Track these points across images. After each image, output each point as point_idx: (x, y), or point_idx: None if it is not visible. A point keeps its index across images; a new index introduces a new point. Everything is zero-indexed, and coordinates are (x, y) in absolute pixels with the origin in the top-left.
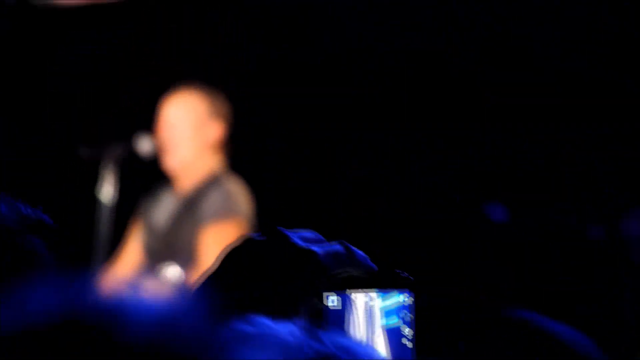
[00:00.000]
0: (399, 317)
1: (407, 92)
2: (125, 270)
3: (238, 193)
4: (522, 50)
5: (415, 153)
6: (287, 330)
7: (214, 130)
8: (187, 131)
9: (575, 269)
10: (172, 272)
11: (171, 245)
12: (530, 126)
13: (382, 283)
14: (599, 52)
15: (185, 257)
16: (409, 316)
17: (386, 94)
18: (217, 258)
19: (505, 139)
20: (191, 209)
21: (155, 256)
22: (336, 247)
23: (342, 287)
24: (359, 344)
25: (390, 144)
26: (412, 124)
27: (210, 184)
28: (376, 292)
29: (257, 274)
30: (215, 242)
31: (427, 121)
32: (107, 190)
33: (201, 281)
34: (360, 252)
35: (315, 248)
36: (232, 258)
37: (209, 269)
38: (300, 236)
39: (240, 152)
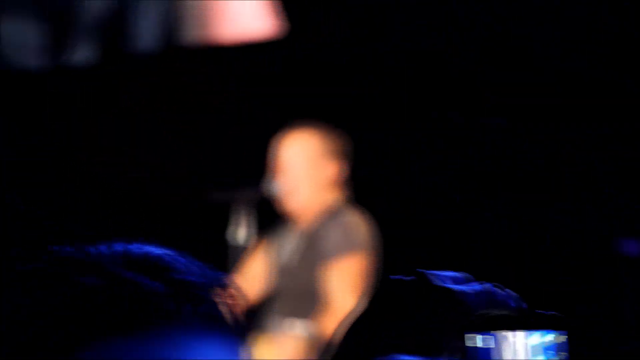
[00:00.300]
0: (551, 355)
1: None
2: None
3: (359, 226)
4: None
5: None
6: None
7: (331, 168)
8: (304, 171)
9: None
10: (300, 327)
11: (295, 284)
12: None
13: (533, 322)
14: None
15: (310, 295)
16: (562, 355)
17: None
18: (361, 298)
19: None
20: (312, 246)
21: (280, 295)
22: (485, 286)
23: (494, 327)
24: None
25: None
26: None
27: (330, 219)
28: (527, 331)
29: (403, 314)
30: (339, 278)
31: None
32: (239, 233)
33: (348, 322)
34: (511, 292)
35: (463, 288)
36: (378, 299)
37: (354, 310)
38: (449, 276)
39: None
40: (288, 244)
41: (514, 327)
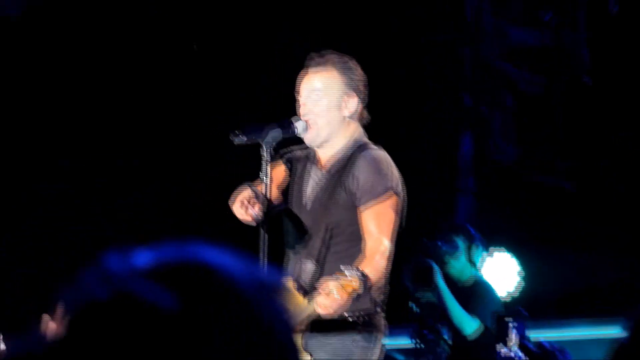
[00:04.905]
0: None
1: None
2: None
3: (388, 162)
4: None
5: None
6: None
7: (353, 101)
8: (326, 104)
9: None
10: (351, 272)
11: (322, 224)
12: None
13: None
14: None
15: (342, 235)
16: None
17: None
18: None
19: None
20: (341, 184)
21: (303, 235)
22: None
23: None
24: None
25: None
26: None
27: (356, 155)
28: None
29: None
30: (379, 219)
31: None
32: (265, 172)
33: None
34: None
35: None
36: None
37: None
38: None
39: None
40: (310, 182)
41: None
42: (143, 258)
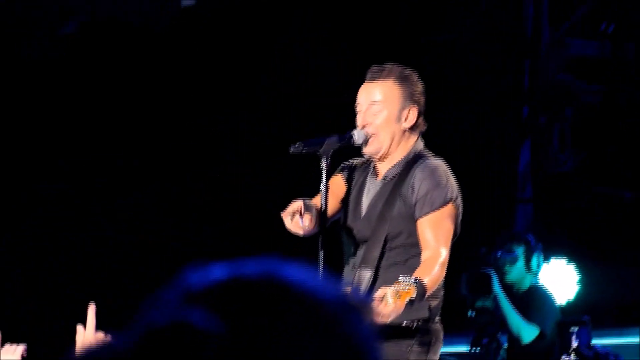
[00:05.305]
0: None
1: None
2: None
3: (446, 171)
4: None
5: None
6: None
7: (411, 114)
8: (386, 116)
9: None
10: (409, 281)
11: (380, 233)
12: None
13: None
14: None
15: (399, 244)
16: None
17: None
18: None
19: None
20: (399, 194)
21: (361, 244)
22: None
23: None
24: None
25: None
26: None
27: (414, 165)
28: None
29: None
30: (436, 228)
31: None
32: (323, 183)
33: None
34: None
35: None
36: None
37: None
38: None
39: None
40: (368, 192)
41: None
42: (221, 272)
